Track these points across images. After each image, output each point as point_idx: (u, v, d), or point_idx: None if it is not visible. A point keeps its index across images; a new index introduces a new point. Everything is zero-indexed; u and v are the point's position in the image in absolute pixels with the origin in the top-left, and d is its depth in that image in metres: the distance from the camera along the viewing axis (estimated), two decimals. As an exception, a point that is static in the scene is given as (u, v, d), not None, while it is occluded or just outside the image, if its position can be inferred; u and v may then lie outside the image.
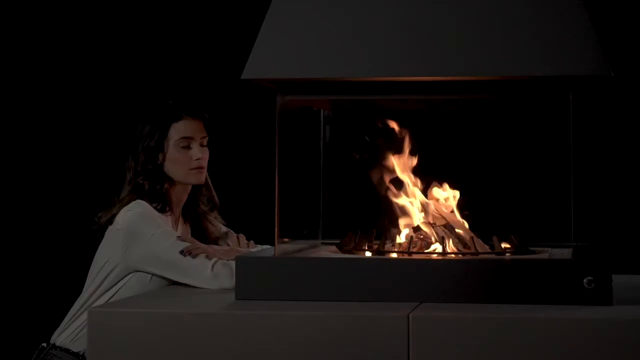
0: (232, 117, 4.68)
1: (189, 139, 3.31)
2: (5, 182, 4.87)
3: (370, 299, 2.73)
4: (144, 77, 4.78)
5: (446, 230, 3.02)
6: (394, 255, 2.91)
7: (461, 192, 3.11)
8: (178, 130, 3.31)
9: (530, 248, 3.00)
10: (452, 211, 3.09)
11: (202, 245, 3.19)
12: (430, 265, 2.76)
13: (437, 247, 2.95)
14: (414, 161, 3.11)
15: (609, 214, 4.54)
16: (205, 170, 3.34)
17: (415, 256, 2.88)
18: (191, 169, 3.30)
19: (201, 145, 3.32)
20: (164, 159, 3.30)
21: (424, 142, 3.14)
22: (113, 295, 3.22)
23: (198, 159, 3.30)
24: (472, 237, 2.95)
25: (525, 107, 3.26)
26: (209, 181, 3.44)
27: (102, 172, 4.52)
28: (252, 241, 3.43)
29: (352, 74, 2.81)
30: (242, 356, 2.57)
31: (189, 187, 3.36)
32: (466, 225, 3.05)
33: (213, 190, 3.44)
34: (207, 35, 4.80)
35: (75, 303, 3.30)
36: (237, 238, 3.42)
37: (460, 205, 3.08)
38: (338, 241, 3.11)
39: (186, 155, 3.30)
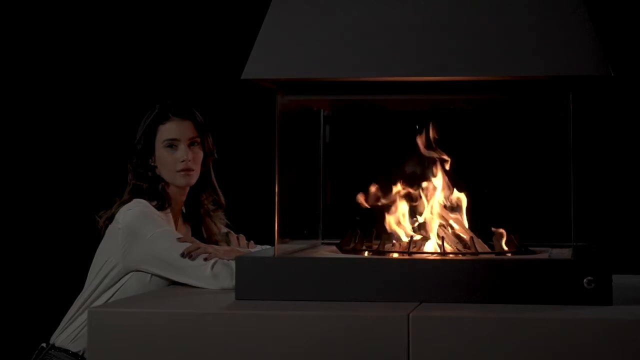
0: (232, 117, 4.68)
1: (175, 140, 3.30)
2: (6, 182, 4.87)
3: (370, 299, 2.73)
4: (144, 77, 4.78)
5: (446, 230, 3.02)
6: (394, 255, 2.91)
7: (460, 192, 3.11)
8: (164, 131, 3.31)
9: (530, 248, 3.00)
10: (453, 211, 3.09)
11: (203, 244, 3.19)
12: (430, 265, 2.76)
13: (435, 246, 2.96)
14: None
15: (609, 214, 4.54)
16: (194, 171, 3.32)
17: (415, 256, 2.88)
18: (178, 171, 3.30)
19: (191, 146, 3.32)
20: (154, 161, 3.32)
21: (424, 142, 3.14)
22: (112, 295, 3.22)
23: (184, 161, 3.29)
24: (472, 237, 2.95)
25: (526, 107, 3.26)
26: (215, 182, 3.43)
27: (103, 172, 4.53)
28: (252, 241, 3.43)
29: (352, 74, 2.81)
30: (242, 356, 2.57)
31: (186, 188, 3.36)
32: (466, 225, 3.06)
33: (219, 191, 3.44)
34: (207, 35, 4.80)
35: (75, 303, 3.30)
36: (237, 238, 3.42)
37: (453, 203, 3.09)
38: (338, 241, 3.11)
39: (172, 157, 3.30)
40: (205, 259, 3.08)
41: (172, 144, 3.31)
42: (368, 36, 2.81)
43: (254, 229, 3.48)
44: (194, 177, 3.33)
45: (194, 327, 2.60)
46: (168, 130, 3.31)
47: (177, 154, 3.30)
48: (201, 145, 3.35)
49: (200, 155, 3.35)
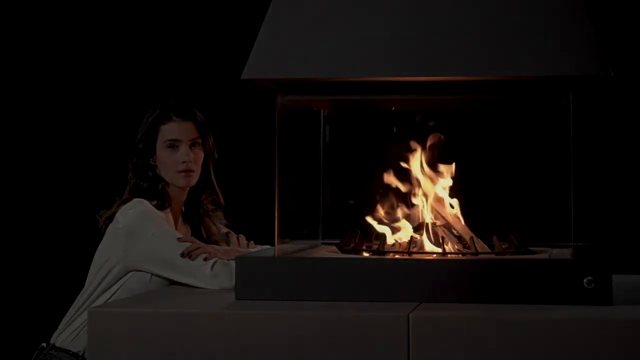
0: (232, 117, 4.68)
1: (176, 140, 3.30)
2: (6, 182, 4.87)
3: (370, 299, 2.73)
4: (145, 77, 4.78)
5: (446, 230, 3.02)
6: (394, 255, 2.91)
7: (461, 192, 3.11)
8: (165, 132, 3.31)
9: (530, 248, 3.00)
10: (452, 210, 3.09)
11: (203, 244, 3.19)
12: (430, 265, 2.76)
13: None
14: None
15: (609, 214, 4.54)
16: (194, 172, 3.32)
17: (415, 256, 2.88)
18: (178, 172, 3.30)
19: (192, 146, 3.32)
20: (155, 160, 3.32)
21: (424, 142, 3.14)
22: (112, 295, 3.22)
23: (184, 162, 3.29)
24: (472, 237, 2.95)
25: (526, 107, 3.26)
26: (214, 182, 3.43)
27: (103, 172, 4.53)
28: (252, 241, 3.43)
29: (352, 74, 2.81)
30: (242, 356, 2.57)
31: (186, 188, 3.36)
32: (463, 223, 3.06)
33: (218, 191, 3.44)
34: (207, 35, 4.80)
35: (75, 302, 3.30)
36: (237, 238, 3.42)
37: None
38: (338, 241, 3.11)
39: (173, 157, 3.30)
40: (205, 259, 3.08)
41: (173, 145, 3.31)
42: (368, 36, 2.81)
43: (254, 229, 3.48)
44: (194, 178, 3.33)
45: (194, 327, 2.60)
46: (169, 130, 3.31)
47: (178, 154, 3.30)
48: (202, 145, 3.35)
49: (201, 156, 3.35)
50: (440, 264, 2.77)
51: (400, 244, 3.00)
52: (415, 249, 2.93)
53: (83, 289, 3.30)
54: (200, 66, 4.78)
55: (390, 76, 2.80)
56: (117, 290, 3.22)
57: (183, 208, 3.42)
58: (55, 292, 4.49)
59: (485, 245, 2.96)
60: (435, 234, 3.00)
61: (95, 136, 4.82)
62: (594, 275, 2.67)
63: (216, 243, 3.38)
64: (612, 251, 2.87)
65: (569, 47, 2.73)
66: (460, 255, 2.90)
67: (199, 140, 3.34)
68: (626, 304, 2.69)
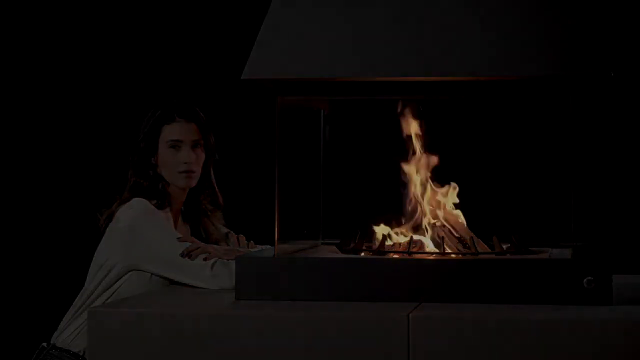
0: (232, 117, 4.68)
1: (178, 141, 3.30)
2: (6, 182, 4.87)
3: (370, 299, 2.73)
4: (145, 76, 4.78)
5: (445, 230, 3.02)
6: (394, 255, 2.91)
7: (461, 193, 3.11)
8: (168, 132, 3.31)
9: (530, 248, 3.00)
10: (452, 211, 3.09)
11: (203, 244, 3.19)
12: (430, 265, 2.76)
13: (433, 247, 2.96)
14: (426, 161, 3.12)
15: (609, 214, 4.54)
16: (195, 173, 3.32)
17: (415, 256, 2.88)
18: (180, 172, 3.30)
19: (194, 147, 3.32)
20: (156, 160, 3.32)
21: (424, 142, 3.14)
22: (112, 295, 3.22)
23: (186, 163, 3.29)
24: (472, 237, 2.95)
25: (526, 107, 3.26)
26: (214, 182, 3.43)
27: (103, 171, 4.53)
28: (252, 241, 3.43)
29: (352, 74, 2.81)
30: (242, 356, 2.57)
31: (186, 188, 3.36)
32: (464, 223, 3.05)
33: (217, 191, 3.44)
34: (207, 35, 4.80)
35: (75, 302, 3.30)
36: (237, 238, 3.42)
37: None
38: (338, 241, 3.11)
39: (175, 158, 3.30)
40: (205, 259, 3.09)
41: (175, 145, 3.31)
42: (368, 36, 2.81)
43: (254, 229, 3.48)
44: (195, 179, 3.33)
45: (194, 327, 2.60)
46: (172, 131, 3.31)
47: (180, 155, 3.30)
48: (203, 146, 3.35)
49: (203, 157, 3.35)
50: (440, 264, 2.77)
51: (400, 244, 3.00)
52: (415, 249, 2.93)
53: (83, 289, 3.30)
54: (201, 66, 4.78)
55: (390, 76, 2.80)
56: (117, 290, 3.22)
57: (183, 208, 3.42)
58: (55, 292, 4.49)
59: (485, 245, 2.96)
60: (435, 234, 3.01)
61: (96, 136, 4.82)
62: (594, 275, 2.67)
63: (216, 243, 3.38)
64: (612, 251, 2.87)
65: (569, 47, 2.73)
66: (460, 255, 2.89)
67: (201, 142, 3.34)
68: (626, 304, 2.69)
